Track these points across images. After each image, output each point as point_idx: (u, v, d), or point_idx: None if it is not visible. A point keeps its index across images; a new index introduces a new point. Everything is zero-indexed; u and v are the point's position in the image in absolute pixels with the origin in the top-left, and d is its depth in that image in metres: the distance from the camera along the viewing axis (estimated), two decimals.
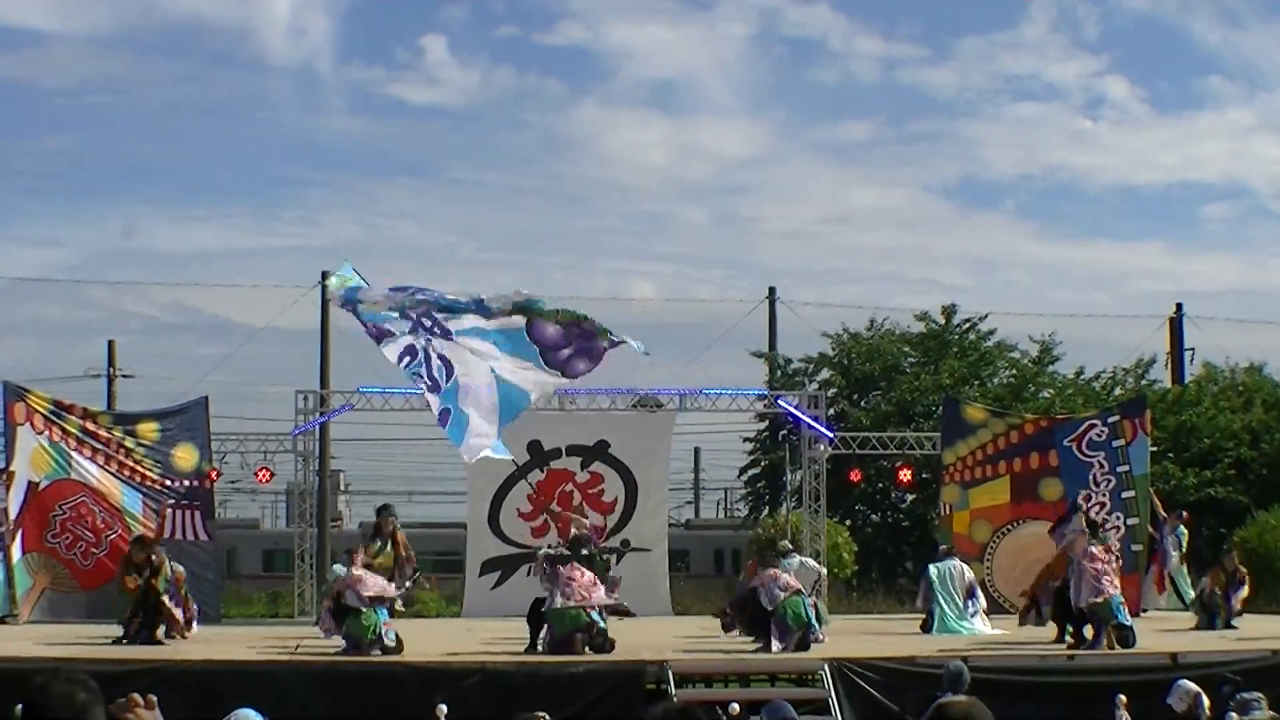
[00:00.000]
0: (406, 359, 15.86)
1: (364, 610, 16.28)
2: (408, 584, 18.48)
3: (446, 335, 16.13)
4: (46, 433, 22.53)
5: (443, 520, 46.00)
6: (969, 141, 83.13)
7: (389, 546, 18.05)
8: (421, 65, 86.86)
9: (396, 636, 16.43)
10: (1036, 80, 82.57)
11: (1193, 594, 21.23)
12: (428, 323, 16.11)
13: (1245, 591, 20.70)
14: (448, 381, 15.82)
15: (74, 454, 22.56)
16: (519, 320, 16.14)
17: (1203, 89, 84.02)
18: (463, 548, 25.65)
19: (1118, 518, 23.03)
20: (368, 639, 16.20)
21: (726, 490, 56.38)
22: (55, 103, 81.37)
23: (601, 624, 16.29)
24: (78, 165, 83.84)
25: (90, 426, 22.89)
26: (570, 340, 16.01)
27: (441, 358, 15.89)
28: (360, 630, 16.27)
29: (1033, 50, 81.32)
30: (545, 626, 16.59)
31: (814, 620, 17.15)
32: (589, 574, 16.65)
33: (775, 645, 16.62)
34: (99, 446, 22.73)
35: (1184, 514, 24.34)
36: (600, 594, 16.50)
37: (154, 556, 18.57)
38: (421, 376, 15.78)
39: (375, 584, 16.68)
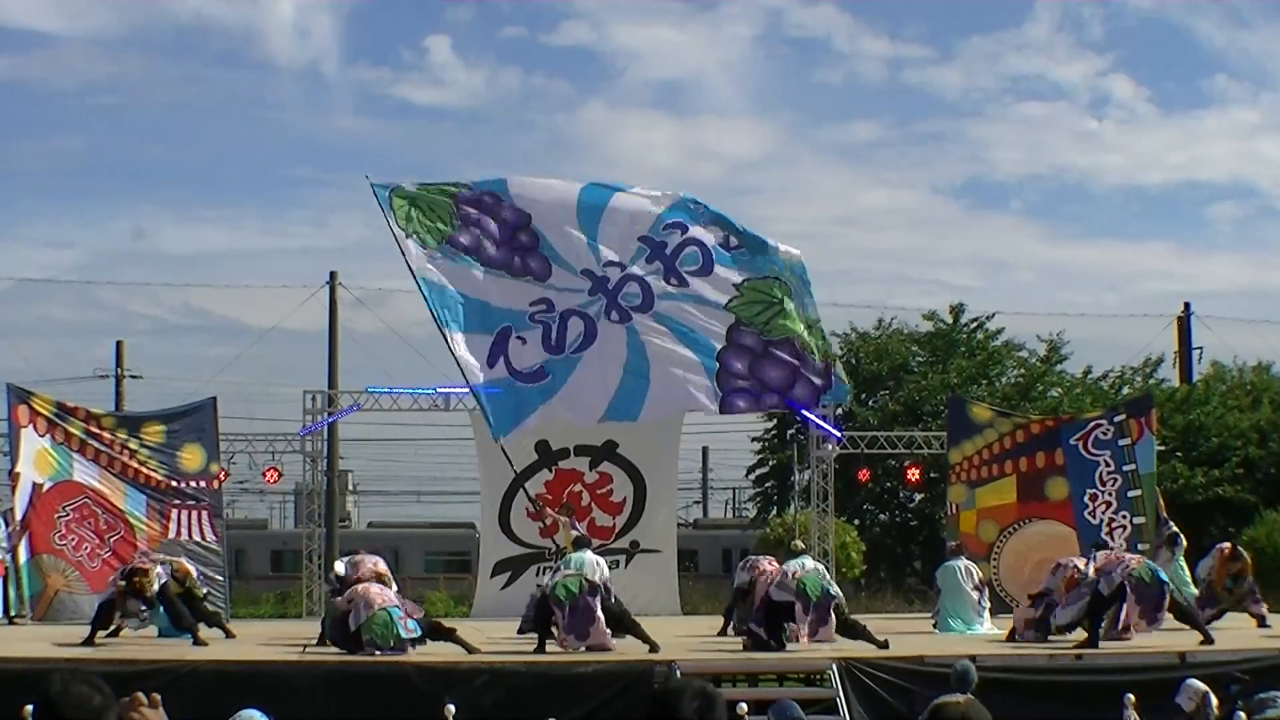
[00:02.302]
0: (540, 308, 14.98)
1: (375, 611, 16.00)
2: None
3: (627, 315, 15.23)
4: (50, 435, 22.57)
5: (451, 520, 46.05)
6: (976, 142, 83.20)
7: None
8: (427, 66, 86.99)
9: (419, 624, 16.23)
10: (1042, 80, 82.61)
11: (1194, 589, 21.12)
12: (618, 288, 15.19)
13: (1263, 608, 20.65)
14: (572, 349, 15.04)
15: (76, 456, 22.59)
16: (720, 327, 15.29)
17: (1209, 89, 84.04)
18: (471, 547, 25.69)
19: (1124, 516, 23.01)
20: (391, 641, 15.86)
21: (735, 490, 56.51)
22: (63, 104, 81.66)
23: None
24: (85, 166, 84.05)
25: (93, 429, 22.91)
26: (785, 369, 15.18)
27: (589, 330, 15.08)
28: (381, 633, 15.95)
29: (1038, 50, 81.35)
30: (552, 619, 16.51)
31: (830, 589, 16.98)
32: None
33: (803, 630, 16.49)
34: (101, 448, 22.76)
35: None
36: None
37: (151, 589, 17.82)
38: (540, 325, 14.96)
39: (382, 595, 16.46)
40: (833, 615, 16.70)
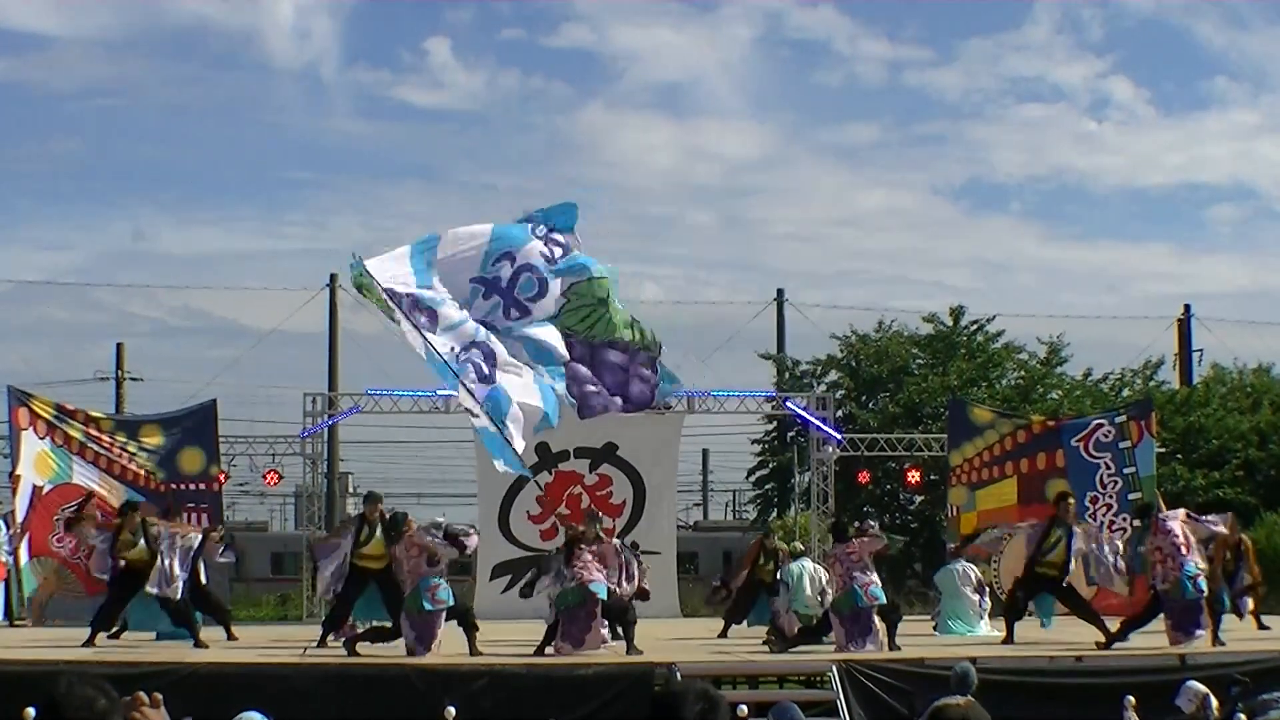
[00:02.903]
0: (458, 347, 14.07)
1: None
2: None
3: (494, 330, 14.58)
4: (50, 437, 22.59)
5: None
6: (975, 143, 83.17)
7: (377, 533, 17.35)
8: (426, 68, 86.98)
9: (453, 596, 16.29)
10: (1042, 82, 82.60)
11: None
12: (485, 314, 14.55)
13: (1251, 602, 20.63)
14: (490, 374, 14.23)
15: (75, 458, 22.61)
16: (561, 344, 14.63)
17: (1208, 90, 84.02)
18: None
19: (1124, 519, 23.01)
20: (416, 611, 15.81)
21: (735, 492, 56.51)
22: (62, 106, 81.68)
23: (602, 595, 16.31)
24: (84, 168, 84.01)
25: (93, 431, 22.94)
26: (618, 370, 14.63)
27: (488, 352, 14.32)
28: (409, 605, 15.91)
29: (1038, 52, 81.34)
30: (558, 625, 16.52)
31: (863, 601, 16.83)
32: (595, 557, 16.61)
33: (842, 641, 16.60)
34: (101, 451, 22.78)
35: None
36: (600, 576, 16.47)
37: (146, 528, 17.90)
38: (476, 365, 14.07)
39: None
40: (876, 621, 16.66)
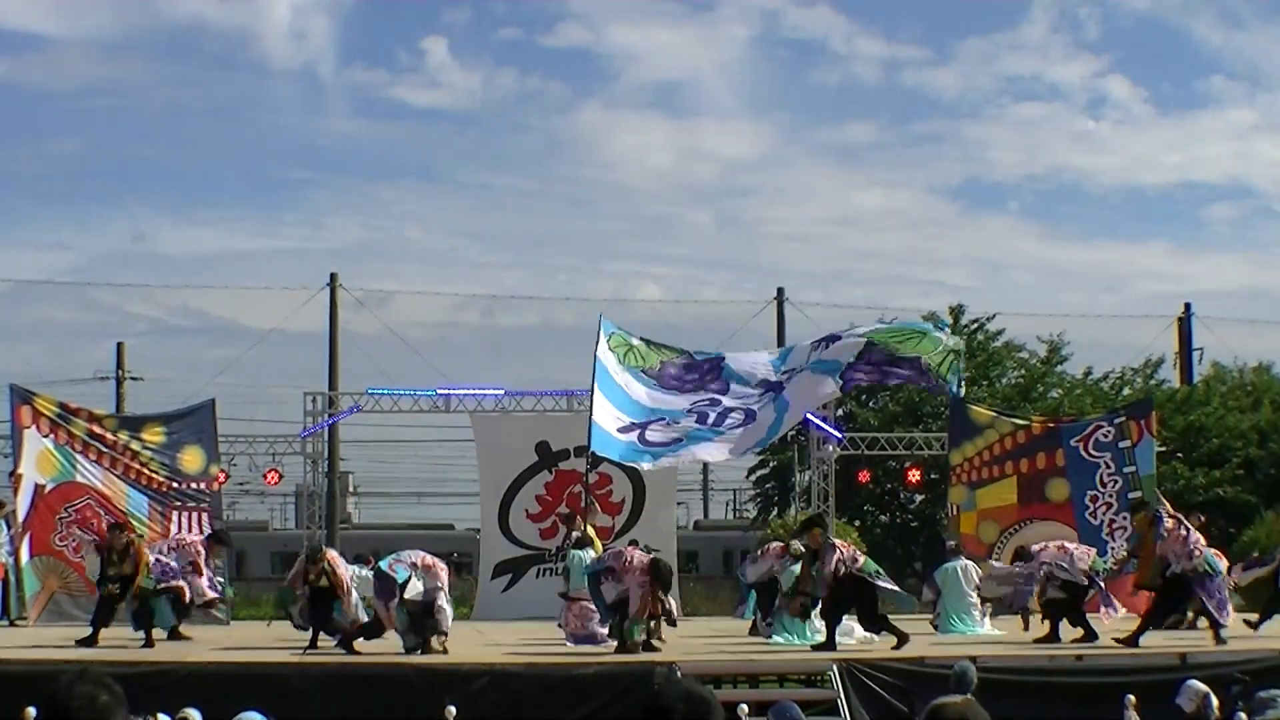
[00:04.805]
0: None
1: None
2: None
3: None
4: (52, 436, 22.59)
5: (452, 521, 46.07)
6: (972, 143, 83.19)
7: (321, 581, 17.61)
8: (423, 68, 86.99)
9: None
10: (1038, 81, 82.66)
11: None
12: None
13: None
14: (727, 428, 17.50)
15: (79, 457, 22.60)
16: (852, 354, 17.53)
17: (1205, 89, 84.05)
18: (471, 549, 25.69)
19: (1125, 518, 23.02)
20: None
21: (735, 491, 56.49)
22: (59, 106, 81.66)
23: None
24: (82, 169, 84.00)
25: (96, 430, 22.93)
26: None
27: (748, 418, 17.60)
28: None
29: (1034, 51, 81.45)
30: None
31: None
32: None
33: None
34: (104, 450, 22.78)
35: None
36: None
37: (132, 546, 18.16)
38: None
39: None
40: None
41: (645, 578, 16.20)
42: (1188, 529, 17.36)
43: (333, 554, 17.86)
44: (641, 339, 18.85)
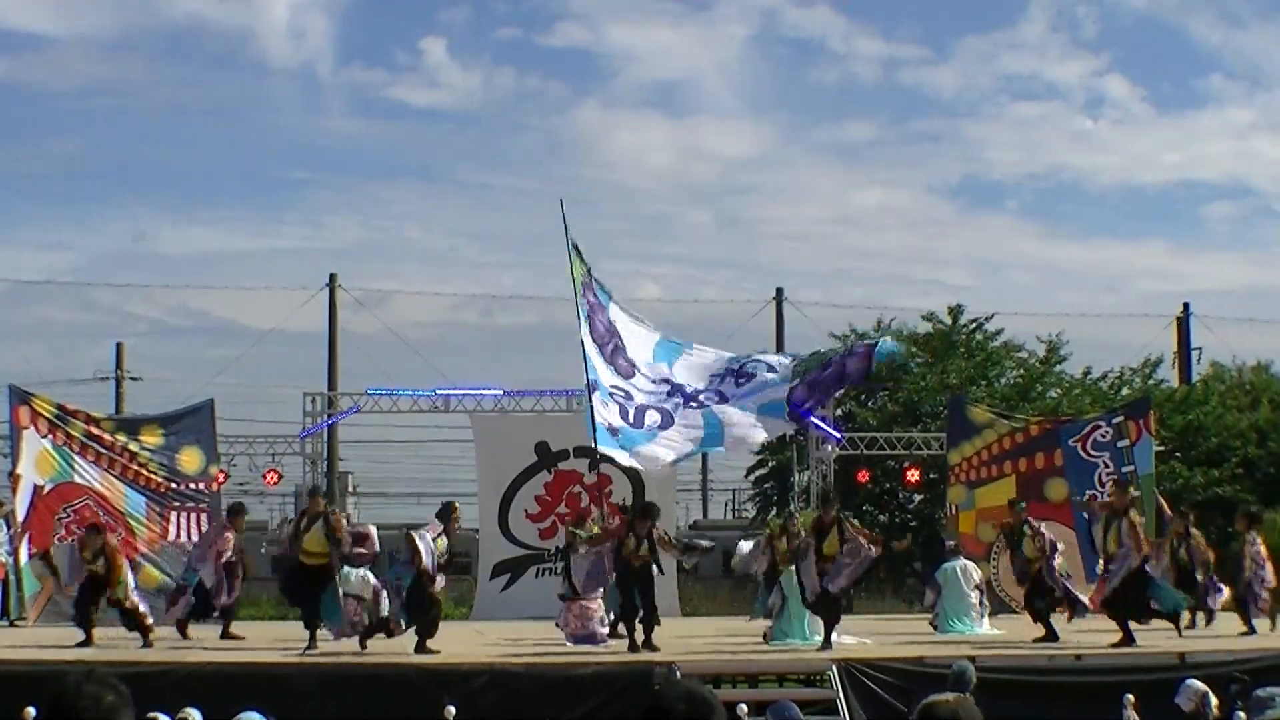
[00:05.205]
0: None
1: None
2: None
3: (704, 405, 17.14)
4: (51, 436, 22.61)
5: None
6: (971, 142, 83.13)
7: (320, 527, 17.52)
8: (422, 67, 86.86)
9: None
10: (1037, 80, 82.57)
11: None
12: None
13: (1224, 595, 20.59)
14: (650, 428, 16.75)
15: (77, 457, 22.63)
16: (782, 392, 17.05)
17: (1204, 88, 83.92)
18: (471, 549, 25.69)
19: None
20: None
21: (734, 491, 56.45)
22: (59, 106, 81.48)
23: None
24: (82, 169, 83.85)
25: (94, 430, 22.96)
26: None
27: (665, 420, 16.91)
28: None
29: (1033, 50, 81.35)
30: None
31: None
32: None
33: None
34: (102, 450, 22.80)
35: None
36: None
37: (107, 548, 18.12)
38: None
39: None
40: None
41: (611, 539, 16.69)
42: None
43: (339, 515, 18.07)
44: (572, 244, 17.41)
